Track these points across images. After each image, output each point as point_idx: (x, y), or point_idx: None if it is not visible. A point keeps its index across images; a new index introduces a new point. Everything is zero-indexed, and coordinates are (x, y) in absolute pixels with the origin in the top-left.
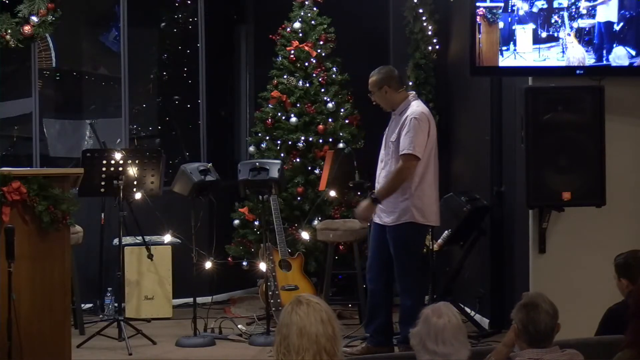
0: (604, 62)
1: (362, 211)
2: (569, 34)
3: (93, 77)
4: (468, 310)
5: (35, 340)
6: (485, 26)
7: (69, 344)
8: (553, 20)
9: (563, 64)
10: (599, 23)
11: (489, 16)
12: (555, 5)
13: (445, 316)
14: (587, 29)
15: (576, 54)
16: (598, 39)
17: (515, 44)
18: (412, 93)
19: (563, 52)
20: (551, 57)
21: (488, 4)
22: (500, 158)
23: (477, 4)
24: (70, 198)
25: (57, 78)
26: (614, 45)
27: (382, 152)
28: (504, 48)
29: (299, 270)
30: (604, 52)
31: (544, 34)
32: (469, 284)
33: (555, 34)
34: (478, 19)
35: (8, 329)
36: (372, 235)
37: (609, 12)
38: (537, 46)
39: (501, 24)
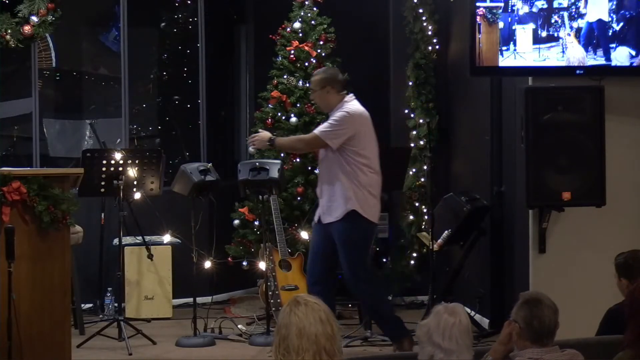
0: (604, 62)
1: (258, 139)
2: (569, 34)
3: (93, 77)
4: (468, 310)
5: (35, 340)
6: (485, 26)
7: (69, 343)
8: (553, 20)
9: (563, 63)
10: (589, 23)
11: (489, 16)
12: (555, 5)
13: (457, 315)
14: (584, 28)
15: (576, 54)
16: (588, 38)
17: (515, 44)
18: (351, 95)
19: (563, 52)
20: (551, 57)
21: (488, 4)
22: (500, 158)
23: (477, 4)
24: (70, 198)
25: (57, 78)
26: (615, 45)
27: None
28: (504, 48)
29: (299, 270)
30: (602, 52)
31: (544, 34)
32: (469, 283)
33: (555, 34)
34: (478, 19)
35: (8, 328)
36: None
37: (600, 10)
38: (537, 46)
39: (501, 24)
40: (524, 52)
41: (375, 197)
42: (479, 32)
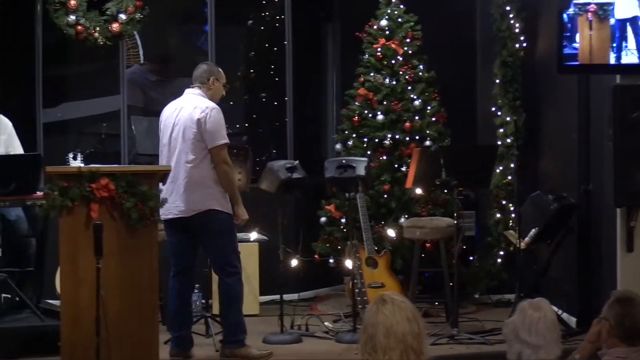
0: None
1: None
2: None
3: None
4: (555, 309)
5: (123, 337)
6: (597, 23)
7: (156, 340)
8: None
9: None
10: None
11: (600, 13)
12: None
13: (542, 310)
14: None
15: None
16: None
17: (626, 41)
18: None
19: None
20: None
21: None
22: (588, 156)
23: (575, 2)
24: (158, 195)
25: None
26: None
27: None
28: (615, 45)
29: (386, 268)
30: None
31: None
32: (556, 282)
33: None
34: (589, 16)
35: (96, 325)
36: None
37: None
38: None
39: (612, 21)
40: (635, 49)
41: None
42: (590, 29)
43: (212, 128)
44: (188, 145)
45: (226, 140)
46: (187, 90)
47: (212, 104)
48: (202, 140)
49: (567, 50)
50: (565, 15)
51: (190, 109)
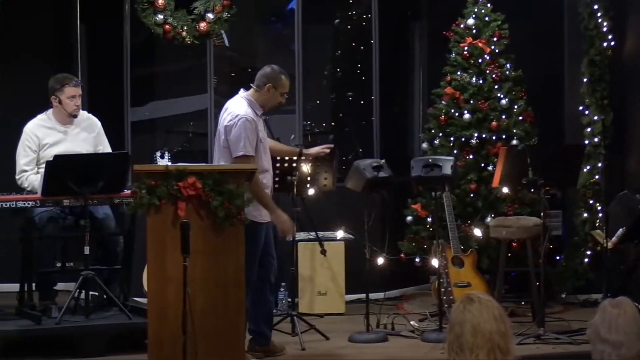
0: None
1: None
2: None
3: None
4: None
5: (209, 334)
6: None
7: (242, 338)
8: None
9: None
10: None
11: None
12: None
13: (621, 307)
14: None
15: None
16: None
17: None
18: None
19: None
20: None
21: None
22: None
23: None
24: (244, 193)
25: (232, 75)
26: None
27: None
28: None
29: (472, 267)
30: None
31: None
32: None
33: None
34: None
35: (183, 322)
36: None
37: None
38: None
39: None
40: None
41: None
42: None
43: (233, 138)
44: (220, 150)
45: (245, 152)
46: (240, 91)
47: (243, 112)
48: (228, 147)
49: None
50: None
51: (226, 113)
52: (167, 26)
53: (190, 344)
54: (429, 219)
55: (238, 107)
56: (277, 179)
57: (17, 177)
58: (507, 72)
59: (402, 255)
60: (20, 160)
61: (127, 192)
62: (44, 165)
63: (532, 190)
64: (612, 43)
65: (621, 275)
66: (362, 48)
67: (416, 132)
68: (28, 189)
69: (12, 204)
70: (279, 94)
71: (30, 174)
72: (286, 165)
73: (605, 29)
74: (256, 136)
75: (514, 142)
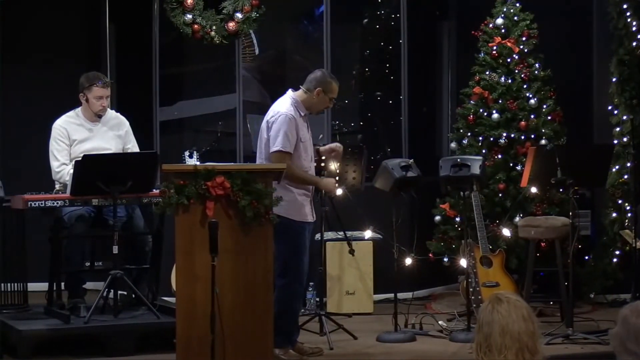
0: None
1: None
2: None
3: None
4: None
5: (237, 334)
6: None
7: (270, 337)
8: None
9: None
10: None
11: None
12: None
13: None
14: None
15: None
16: None
17: None
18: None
19: None
20: None
21: None
22: None
23: None
24: (272, 193)
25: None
26: None
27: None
28: None
29: (500, 267)
30: None
31: None
32: None
33: None
34: None
35: (211, 322)
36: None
37: None
38: None
39: None
40: None
41: None
42: None
43: (272, 133)
44: (262, 146)
45: (281, 148)
46: (288, 91)
47: (284, 110)
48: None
49: None
50: None
51: (270, 111)
52: (195, 26)
53: (218, 344)
54: (458, 219)
55: (281, 105)
56: None
57: (57, 170)
58: (536, 72)
59: (430, 255)
60: (56, 154)
61: (155, 191)
62: (73, 163)
63: (561, 190)
64: None
65: None
66: (391, 48)
67: (445, 132)
68: (69, 182)
69: (42, 204)
70: (328, 98)
71: (70, 168)
72: (314, 164)
73: (634, 29)
74: (296, 134)
75: (543, 141)
